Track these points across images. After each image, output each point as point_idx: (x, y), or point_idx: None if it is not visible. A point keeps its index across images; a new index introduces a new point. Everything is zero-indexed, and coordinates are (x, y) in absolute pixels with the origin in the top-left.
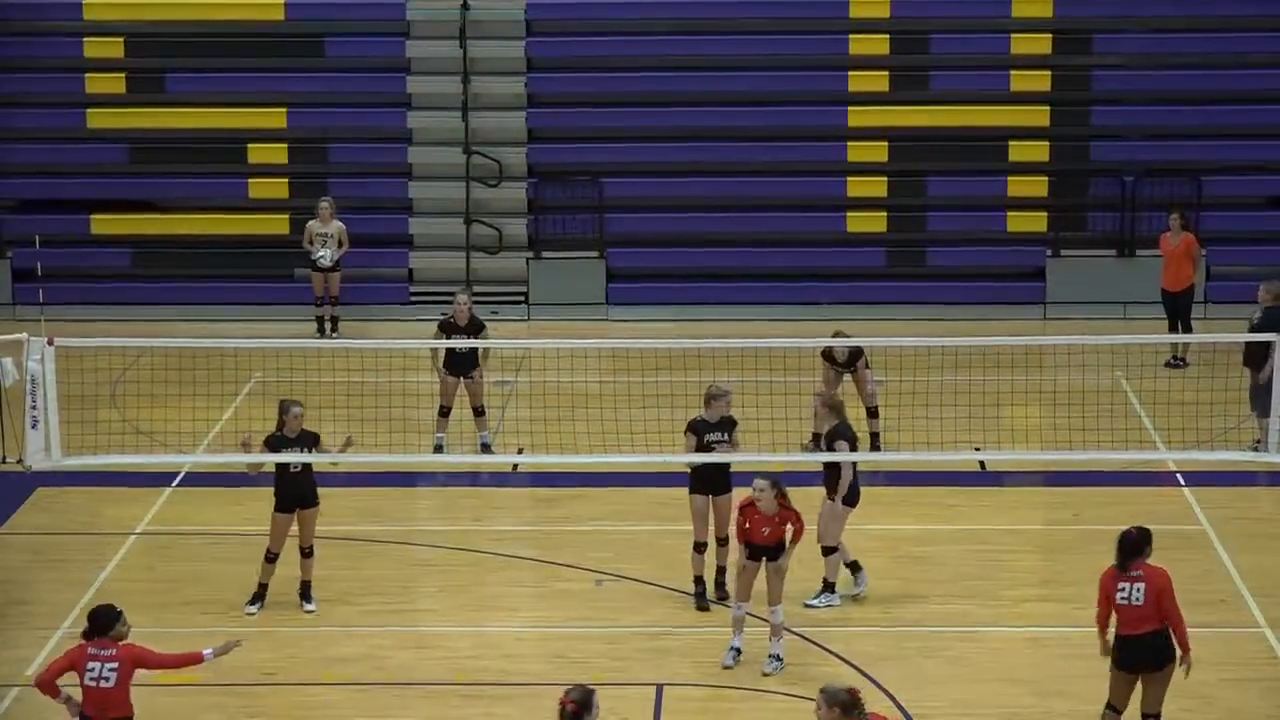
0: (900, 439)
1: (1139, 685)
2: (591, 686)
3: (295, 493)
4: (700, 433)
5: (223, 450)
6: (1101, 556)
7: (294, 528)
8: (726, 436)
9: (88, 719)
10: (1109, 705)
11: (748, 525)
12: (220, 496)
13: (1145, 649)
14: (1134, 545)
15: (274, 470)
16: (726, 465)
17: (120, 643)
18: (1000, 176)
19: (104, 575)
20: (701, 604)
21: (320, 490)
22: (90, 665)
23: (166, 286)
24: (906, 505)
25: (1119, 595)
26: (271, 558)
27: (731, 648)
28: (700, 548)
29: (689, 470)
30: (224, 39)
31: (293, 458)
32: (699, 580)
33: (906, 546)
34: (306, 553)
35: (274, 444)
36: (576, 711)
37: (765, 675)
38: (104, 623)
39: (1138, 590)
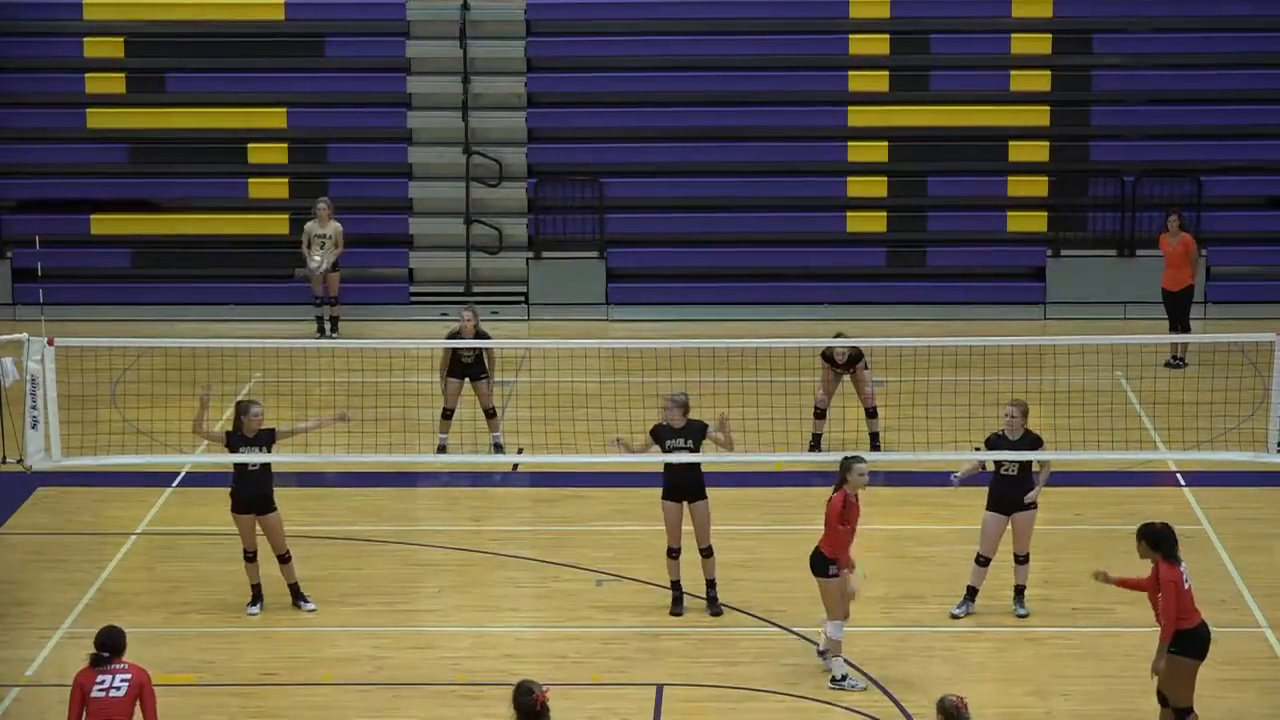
0: (900, 439)
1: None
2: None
3: (253, 493)
4: (662, 439)
5: (222, 450)
6: (1101, 557)
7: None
8: (692, 444)
9: None
10: (1188, 710)
11: (848, 526)
12: (220, 496)
13: (1208, 638)
14: (1174, 535)
15: (231, 470)
16: (699, 470)
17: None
18: (1000, 176)
19: (104, 575)
20: (677, 610)
21: (321, 490)
22: (100, 678)
23: (166, 286)
24: (906, 505)
25: (1186, 583)
26: (250, 556)
27: (842, 672)
28: (673, 553)
29: (662, 476)
30: (224, 39)
31: (250, 458)
32: (675, 585)
33: (906, 546)
34: (284, 559)
35: (232, 442)
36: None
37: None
38: (119, 646)
39: (1188, 573)
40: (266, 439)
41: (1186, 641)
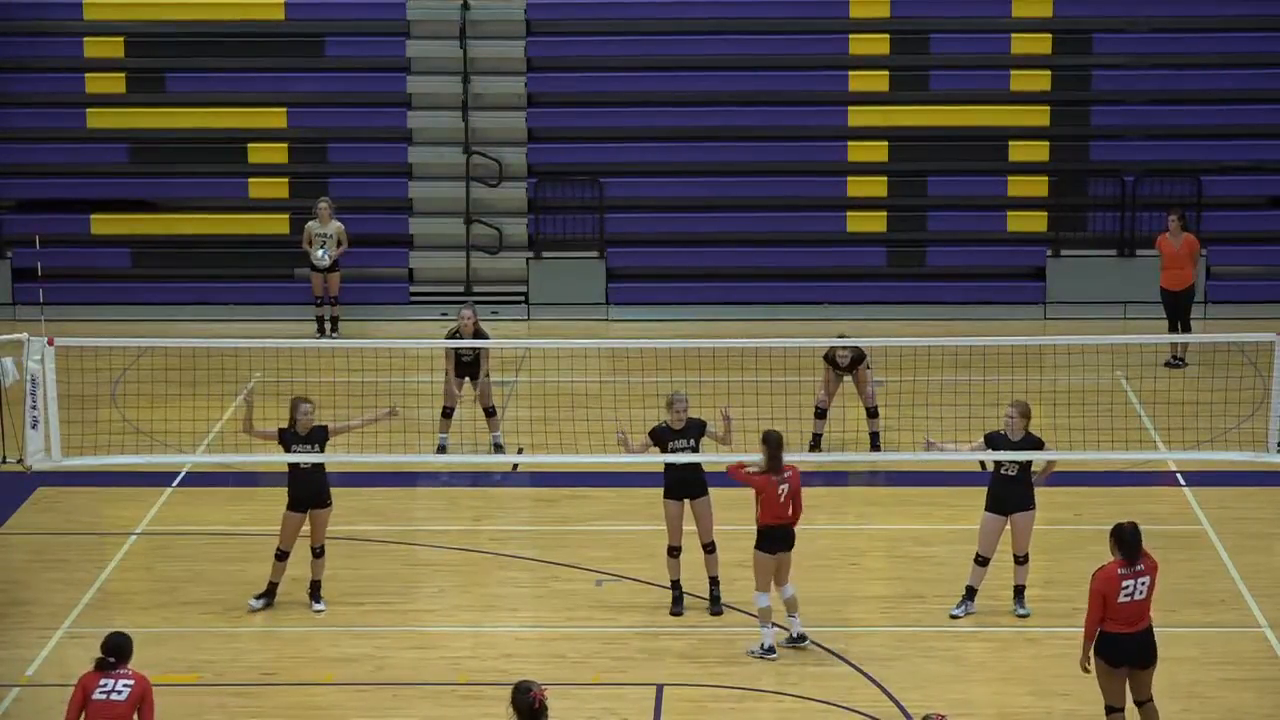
0: (900, 439)
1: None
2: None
3: (307, 492)
4: (664, 440)
5: (223, 450)
6: (1101, 557)
7: (306, 526)
8: (693, 443)
9: None
10: (1111, 709)
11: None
12: (220, 496)
13: (1141, 646)
14: (1139, 537)
15: (286, 468)
16: (700, 467)
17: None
18: (1000, 176)
19: (104, 575)
20: (677, 609)
21: None
22: (103, 682)
23: (166, 286)
24: (906, 505)
25: (1123, 593)
26: (282, 556)
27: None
28: (673, 552)
29: (663, 475)
30: (224, 39)
31: (299, 458)
32: (676, 584)
33: (906, 546)
34: (317, 553)
35: (285, 440)
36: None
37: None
38: (125, 652)
39: (1142, 584)
40: (319, 436)
41: (1101, 644)
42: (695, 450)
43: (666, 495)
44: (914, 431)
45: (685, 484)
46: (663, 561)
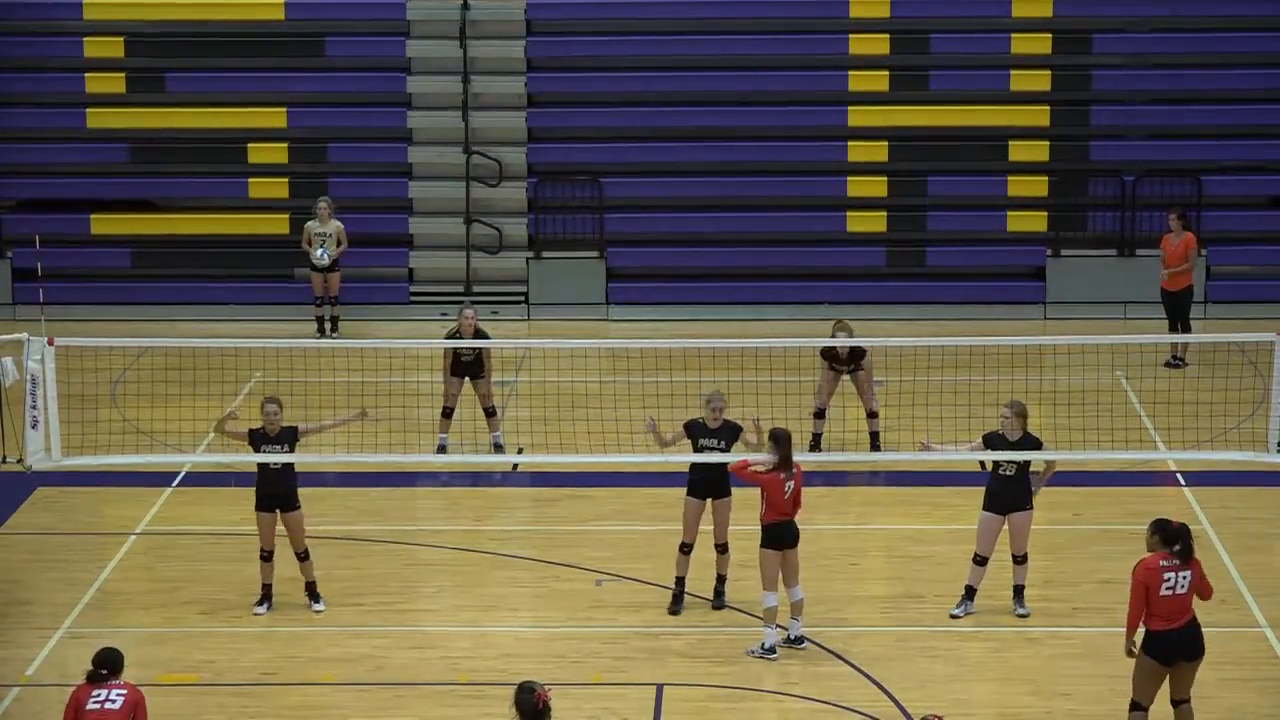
0: (900, 439)
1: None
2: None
3: (274, 491)
4: (695, 436)
5: (223, 450)
6: (1101, 557)
7: (282, 529)
8: (724, 445)
9: None
10: (1136, 705)
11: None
12: (220, 496)
13: (1188, 639)
14: (1191, 540)
15: (255, 468)
16: (726, 469)
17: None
18: (1000, 176)
19: (104, 575)
20: (675, 608)
21: (321, 490)
22: (96, 693)
23: (166, 286)
24: (906, 505)
25: (1165, 586)
26: (266, 556)
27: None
28: (685, 548)
29: (688, 473)
30: (224, 39)
31: (268, 458)
32: (680, 581)
33: (906, 546)
34: (302, 556)
35: (255, 440)
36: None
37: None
38: (117, 665)
39: (1184, 577)
40: (289, 437)
41: (1150, 645)
42: (726, 452)
43: (690, 493)
44: (914, 431)
45: (711, 483)
46: (664, 560)
